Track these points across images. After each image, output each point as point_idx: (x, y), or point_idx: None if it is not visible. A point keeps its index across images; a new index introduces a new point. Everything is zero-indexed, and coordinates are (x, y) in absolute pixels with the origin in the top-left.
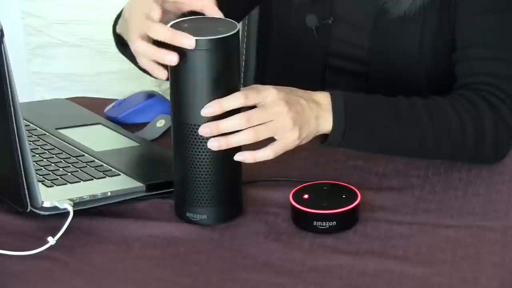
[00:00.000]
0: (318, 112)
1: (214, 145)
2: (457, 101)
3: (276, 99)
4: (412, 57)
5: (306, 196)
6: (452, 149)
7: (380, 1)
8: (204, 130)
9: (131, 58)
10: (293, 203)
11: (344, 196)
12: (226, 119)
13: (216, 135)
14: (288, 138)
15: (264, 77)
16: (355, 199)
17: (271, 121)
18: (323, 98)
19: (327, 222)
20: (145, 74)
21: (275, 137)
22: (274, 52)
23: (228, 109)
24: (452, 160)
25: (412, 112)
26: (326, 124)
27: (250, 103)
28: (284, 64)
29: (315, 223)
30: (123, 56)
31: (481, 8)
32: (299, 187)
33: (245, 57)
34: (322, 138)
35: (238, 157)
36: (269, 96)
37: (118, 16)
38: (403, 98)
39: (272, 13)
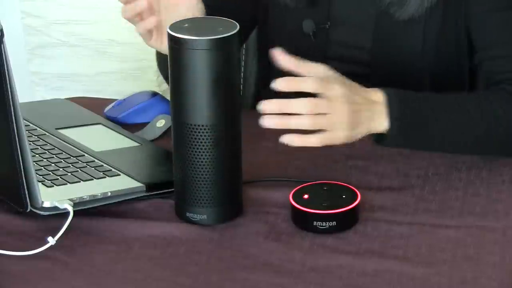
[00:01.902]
0: (374, 113)
1: (272, 122)
2: (498, 96)
3: (340, 95)
4: (415, 57)
5: (306, 196)
6: (501, 143)
7: (382, 3)
8: (268, 106)
9: None
10: (293, 203)
11: (344, 196)
12: (296, 100)
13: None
14: (338, 135)
15: (267, 80)
16: (355, 199)
17: (329, 114)
18: (379, 97)
19: (327, 222)
20: (145, 74)
21: (326, 130)
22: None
23: (300, 90)
24: (498, 155)
25: (465, 107)
26: (380, 124)
27: (319, 90)
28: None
29: (315, 223)
30: (123, 56)
31: (494, 6)
32: (299, 187)
33: (245, 57)
34: (377, 137)
35: (285, 139)
36: (333, 89)
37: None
38: (453, 94)
39: (269, 19)
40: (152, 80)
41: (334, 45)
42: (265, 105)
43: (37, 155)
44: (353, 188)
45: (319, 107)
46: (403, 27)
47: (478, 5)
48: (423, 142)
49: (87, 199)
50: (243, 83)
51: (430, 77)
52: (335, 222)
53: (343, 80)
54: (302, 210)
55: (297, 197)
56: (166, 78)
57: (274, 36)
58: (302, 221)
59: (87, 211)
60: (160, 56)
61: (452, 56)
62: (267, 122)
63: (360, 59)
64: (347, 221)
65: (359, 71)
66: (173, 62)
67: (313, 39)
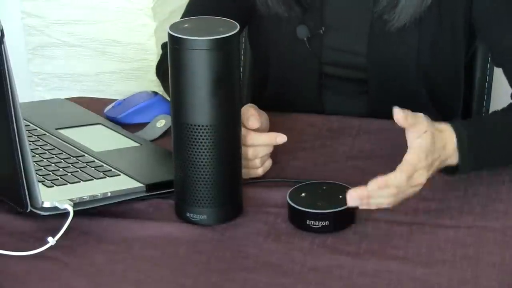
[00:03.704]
0: (446, 156)
1: (355, 203)
2: None
3: (423, 172)
4: (411, 60)
5: (303, 194)
6: None
7: (376, 9)
8: (355, 193)
9: None
10: (289, 201)
11: (341, 197)
12: (379, 197)
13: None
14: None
15: (264, 86)
16: None
17: (411, 188)
18: (451, 138)
19: (320, 222)
20: (145, 74)
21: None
22: (269, 62)
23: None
24: None
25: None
26: (451, 160)
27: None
28: (280, 72)
29: (308, 221)
30: (123, 56)
31: (505, 10)
32: (297, 186)
33: (244, 57)
34: (449, 170)
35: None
36: (419, 169)
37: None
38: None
39: (263, 26)
40: (152, 80)
41: (329, 51)
42: (354, 192)
43: (37, 155)
44: (351, 188)
45: (401, 195)
46: (398, 32)
47: (486, 13)
48: (495, 161)
49: (87, 199)
50: (243, 83)
51: (426, 79)
52: (328, 222)
53: (426, 144)
54: (296, 208)
55: (295, 195)
56: (162, 83)
57: (269, 42)
58: (296, 219)
59: (87, 211)
60: (162, 63)
61: (448, 57)
62: (351, 203)
63: (356, 64)
64: (341, 221)
65: (356, 76)
66: (173, 62)
67: (307, 45)
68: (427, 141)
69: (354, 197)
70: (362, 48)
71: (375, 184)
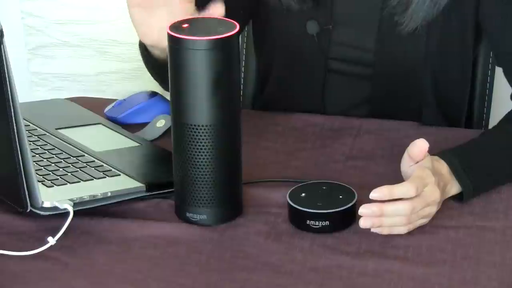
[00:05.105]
0: (445, 182)
1: (368, 223)
2: None
3: (434, 187)
4: (418, 58)
5: (303, 195)
6: None
7: (385, 5)
8: (368, 210)
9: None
10: (289, 201)
11: (341, 197)
12: (393, 204)
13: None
14: (424, 221)
15: (266, 82)
16: (352, 200)
17: (420, 211)
18: (443, 167)
19: (320, 222)
20: (145, 74)
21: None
22: (274, 58)
23: (396, 197)
24: None
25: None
26: (452, 190)
27: (417, 193)
28: (285, 68)
29: (308, 221)
30: (123, 56)
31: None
32: (297, 186)
33: (245, 57)
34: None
35: (376, 230)
36: (429, 184)
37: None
38: (495, 131)
39: (270, 22)
40: (152, 80)
41: (337, 46)
42: (365, 209)
43: (37, 155)
44: (351, 189)
45: (417, 208)
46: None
47: (495, 7)
48: (496, 182)
49: (87, 199)
50: (243, 83)
51: (433, 78)
52: (328, 222)
53: (431, 165)
54: (296, 208)
55: (295, 195)
56: (162, 82)
57: (276, 38)
58: (296, 219)
59: (87, 211)
60: (150, 62)
61: (456, 57)
62: (364, 224)
63: (363, 60)
64: (340, 221)
65: (362, 72)
66: (173, 62)
67: (316, 40)
68: (428, 161)
69: (366, 214)
70: (370, 44)
71: (378, 192)
